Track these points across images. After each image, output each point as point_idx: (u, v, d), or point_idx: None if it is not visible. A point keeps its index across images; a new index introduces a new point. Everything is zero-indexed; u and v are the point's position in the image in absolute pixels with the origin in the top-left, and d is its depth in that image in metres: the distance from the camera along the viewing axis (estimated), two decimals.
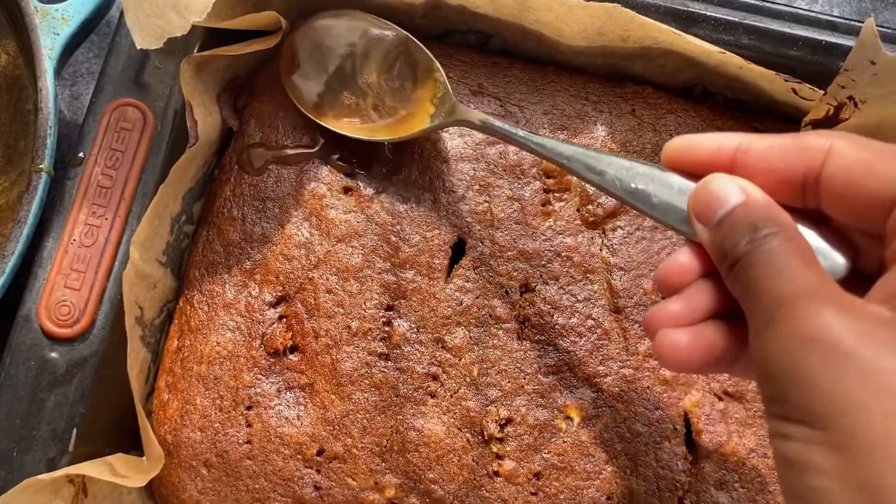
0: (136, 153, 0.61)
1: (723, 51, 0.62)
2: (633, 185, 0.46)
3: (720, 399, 0.62)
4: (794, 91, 0.64)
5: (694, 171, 0.45)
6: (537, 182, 0.66)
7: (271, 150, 0.66)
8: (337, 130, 0.64)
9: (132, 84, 0.62)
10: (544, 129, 0.67)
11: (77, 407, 0.58)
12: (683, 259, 0.44)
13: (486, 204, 0.65)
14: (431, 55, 0.63)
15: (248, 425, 0.62)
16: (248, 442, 0.61)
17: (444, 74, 0.63)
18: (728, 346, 0.41)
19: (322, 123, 0.65)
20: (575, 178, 0.66)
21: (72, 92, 0.75)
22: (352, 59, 0.65)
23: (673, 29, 0.62)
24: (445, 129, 0.66)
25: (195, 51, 0.64)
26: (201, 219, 0.67)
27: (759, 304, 0.36)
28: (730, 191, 0.41)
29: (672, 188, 0.45)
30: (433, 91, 0.63)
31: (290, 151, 0.66)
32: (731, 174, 0.43)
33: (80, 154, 0.61)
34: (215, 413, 0.62)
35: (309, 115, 0.65)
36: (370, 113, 0.64)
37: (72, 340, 0.58)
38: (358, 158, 0.66)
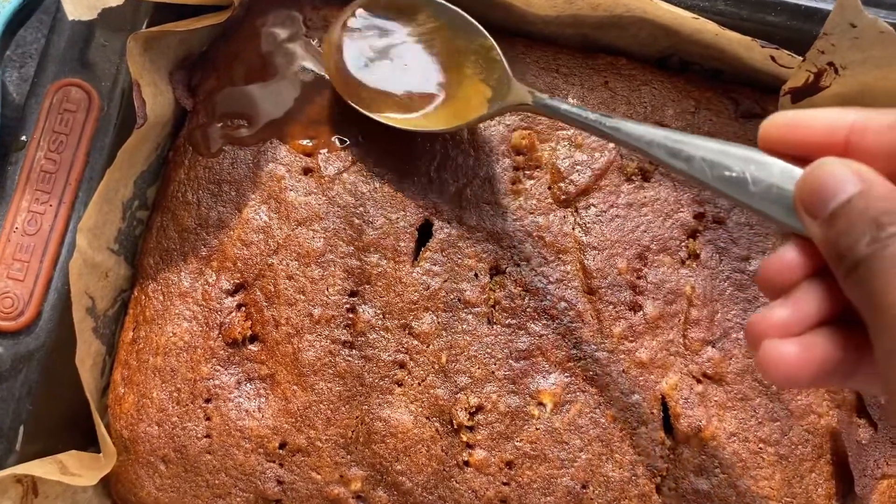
0: (82, 136, 0.58)
1: (696, 16, 0.59)
2: (726, 173, 0.40)
3: (699, 382, 0.60)
4: (773, 58, 0.61)
5: (798, 154, 0.38)
6: (507, 159, 0.63)
7: (227, 130, 0.63)
8: (392, 124, 0.59)
9: (76, 63, 0.59)
10: None
11: (24, 403, 0.55)
12: (789, 256, 0.38)
13: (454, 183, 0.62)
14: (483, 29, 0.58)
15: (207, 419, 0.59)
16: (208, 436, 0.59)
17: (500, 51, 0.57)
18: (845, 358, 0.35)
19: (376, 117, 0.60)
20: (546, 154, 0.63)
21: (21, 74, 0.72)
22: (390, 43, 0.60)
23: None
24: None
25: (143, 27, 0.60)
26: (155, 204, 0.64)
27: (887, 321, 0.31)
28: (844, 177, 0.34)
29: (773, 173, 0.39)
30: (487, 71, 0.58)
31: (246, 132, 0.63)
32: (843, 157, 0.36)
33: (23, 137, 0.58)
34: (173, 406, 0.59)
35: (361, 111, 0.60)
36: (406, 101, 0.60)
37: (16, 333, 0.56)
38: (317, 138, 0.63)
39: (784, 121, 0.39)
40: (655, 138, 0.44)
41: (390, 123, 0.59)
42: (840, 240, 0.34)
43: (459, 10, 0.59)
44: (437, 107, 0.59)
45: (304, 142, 0.63)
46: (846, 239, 0.33)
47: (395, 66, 0.60)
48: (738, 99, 0.65)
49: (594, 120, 0.50)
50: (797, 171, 0.38)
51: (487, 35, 0.58)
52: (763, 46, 0.59)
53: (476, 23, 0.59)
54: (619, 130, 0.47)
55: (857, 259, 0.33)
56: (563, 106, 0.53)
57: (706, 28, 0.60)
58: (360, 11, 0.61)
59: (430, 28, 0.60)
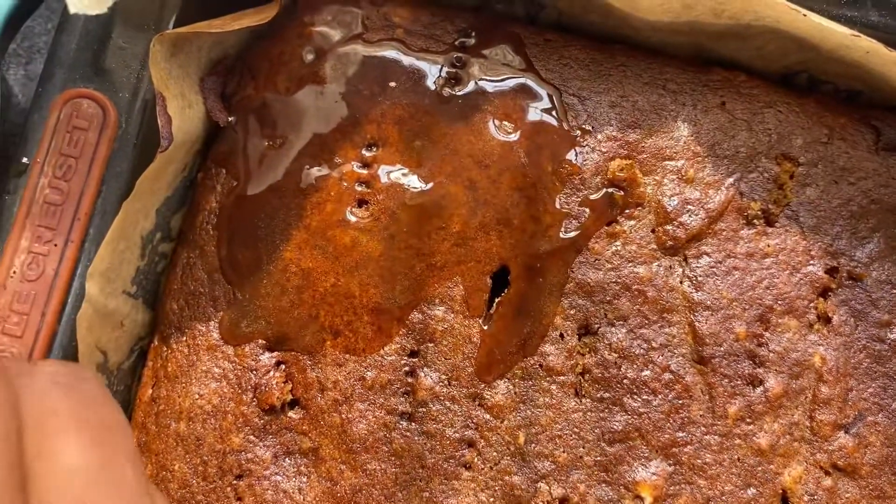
0: (94, 159, 0.48)
1: (857, 34, 0.47)
2: None
3: (828, 474, 0.50)
4: None
5: None
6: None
7: (267, 149, 0.53)
8: None
9: (89, 69, 0.49)
10: (611, 125, 0.53)
11: None
12: None
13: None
14: None
15: (238, 499, 0.50)
16: None
17: None
18: None
19: None
20: (649, 189, 0.53)
21: (27, 71, 0.62)
22: None
23: (783, 0, 0.48)
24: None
25: (170, 26, 0.50)
26: (181, 236, 0.54)
27: None
28: None
29: None
30: None
31: (289, 151, 0.52)
32: None
33: (24, 160, 0.48)
34: (197, 482, 0.50)
35: None
36: None
37: None
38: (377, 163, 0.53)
39: None
40: None
41: None
42: None
43: None
44: None
45: (359, 168, 0.52)
46: None
47: None
48: (881, 128, 0.55)
49: None
50: None
51: None
52: None
53: None
54: None
55: None
56: None
57: (857, 45, 0.49)
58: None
59: None
